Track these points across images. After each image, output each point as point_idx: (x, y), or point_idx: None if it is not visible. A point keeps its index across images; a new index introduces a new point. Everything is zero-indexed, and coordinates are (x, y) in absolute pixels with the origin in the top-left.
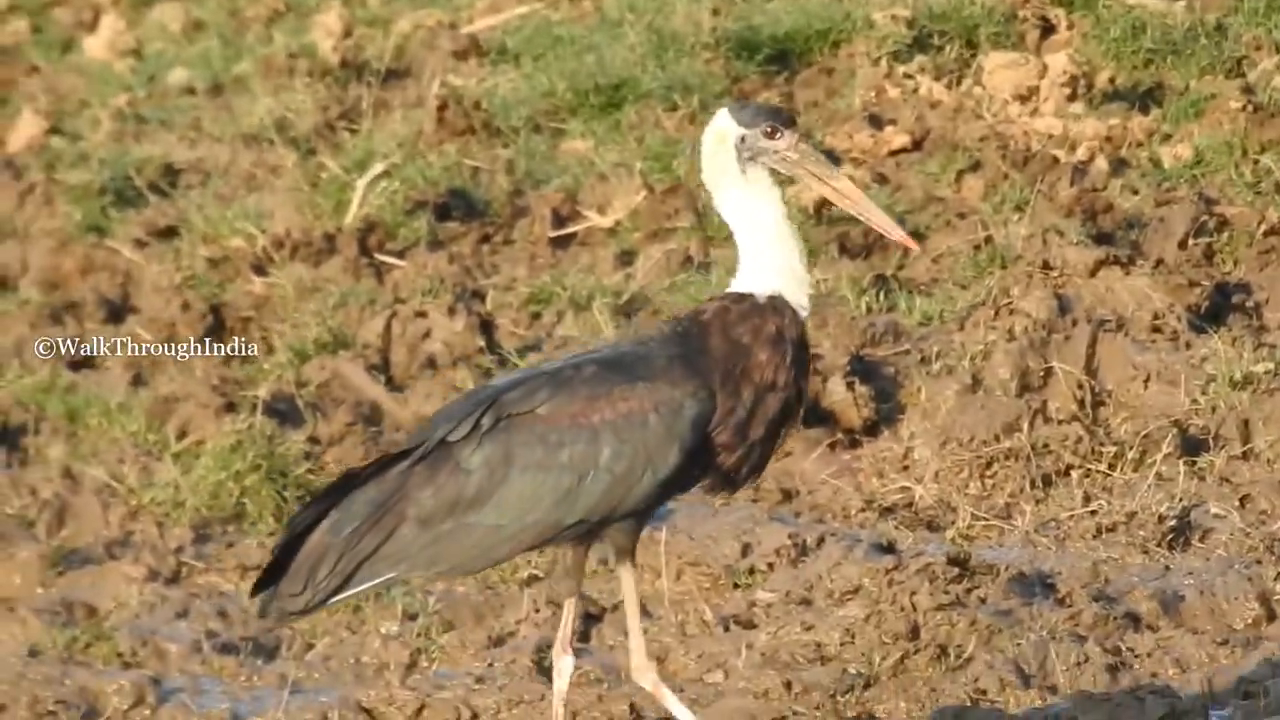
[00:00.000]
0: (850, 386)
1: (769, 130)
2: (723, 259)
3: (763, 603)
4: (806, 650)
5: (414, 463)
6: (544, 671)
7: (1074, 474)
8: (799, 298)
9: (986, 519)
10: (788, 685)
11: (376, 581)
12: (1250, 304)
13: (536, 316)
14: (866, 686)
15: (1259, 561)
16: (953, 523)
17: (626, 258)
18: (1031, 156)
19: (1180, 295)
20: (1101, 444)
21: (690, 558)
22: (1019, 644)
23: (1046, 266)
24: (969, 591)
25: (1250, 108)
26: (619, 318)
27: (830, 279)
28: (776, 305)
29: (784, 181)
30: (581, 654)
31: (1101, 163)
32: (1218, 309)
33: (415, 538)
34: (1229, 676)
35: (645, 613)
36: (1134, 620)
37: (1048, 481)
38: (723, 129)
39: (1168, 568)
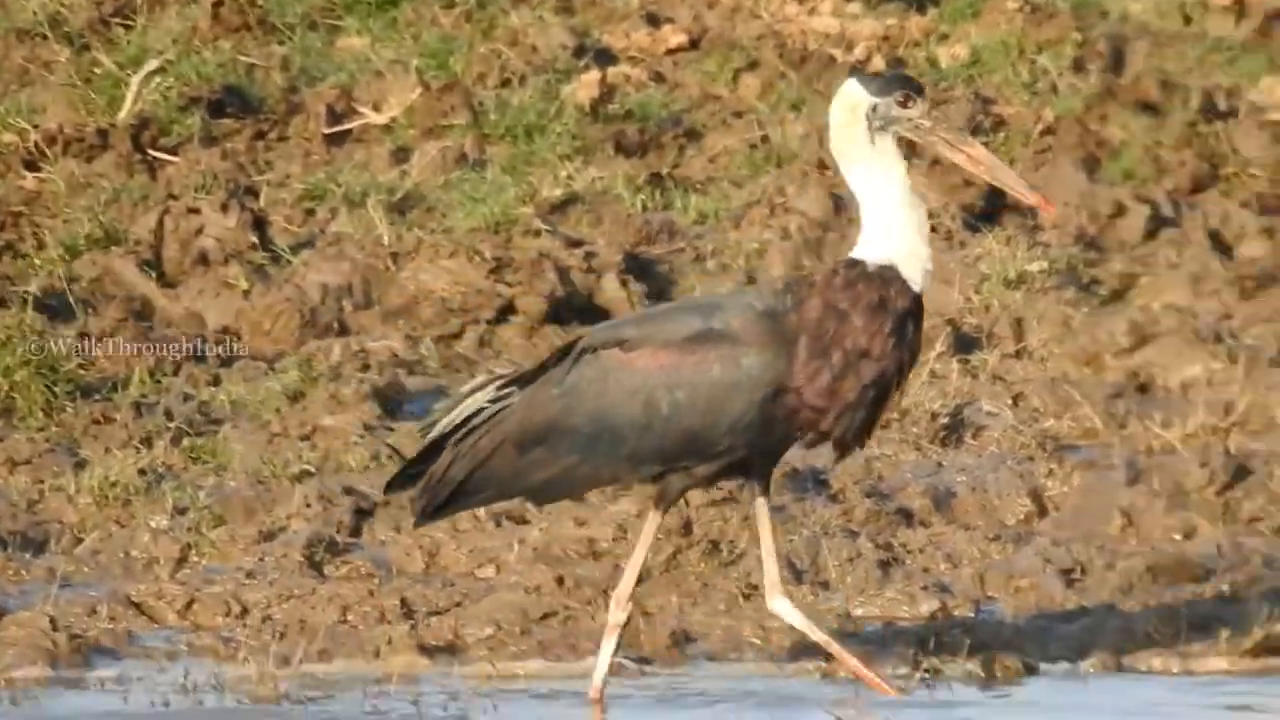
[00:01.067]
0: (625, 284)
1: (902, 99)
2: (498, 156)
3: None
4: (579, 545)
5: (528, 382)
6: (314, 566)
7: None
8: (912, 270)
9: None
10: (559, 580)
11: (479, 497)
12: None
13: (310, 213)
14: (639, 581)
15: (1030, 458)
16: None
17: (402, 155)
18: (808, 56)
19: (955, 194)
20: None
21: None
22: (792, 539)
23: (822, 165)
24: (742, 487)
25: (1027, 8)
26: (393, 215)
27: (606, 177)
28: (885, 275)
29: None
30: (352, 549)
31: (878, 62)
32: (992, 208)
33: (511, 461)
34: (1000, 572)
35: None
36: (906, 516)
37: None
38: (855, 99)
39: (940, 464)
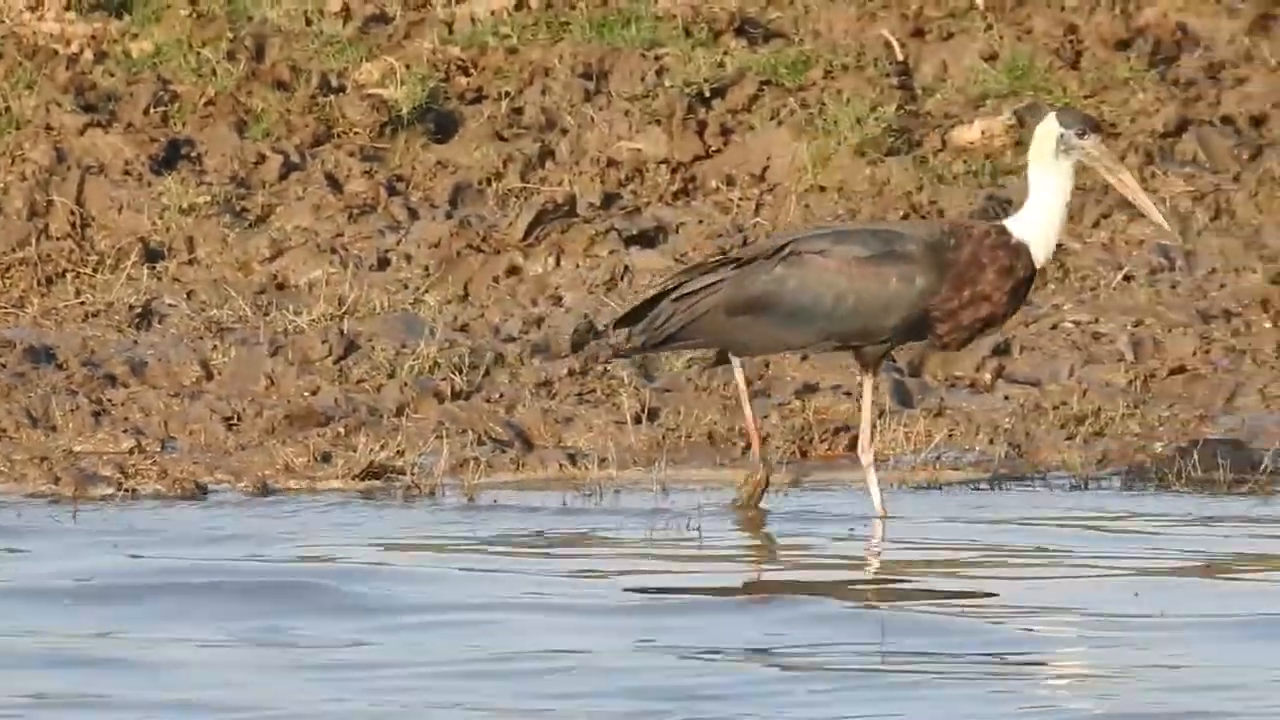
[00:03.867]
0: None
1: (1080, 132)
2: None
3: None
4: None
5: (738, 267)
6: None
7: (69, 276)
8: (1039, 252)
9: (6, 308)
10: None
11: (686, 343)
12: (194, 154)
13: None
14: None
15: (201, 338)
16: None
17: None
18: (39, 49)
19: (145, 148)
20: (89, 254)
21: None
22: (30, 396)
23: (49, 128)
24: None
25: (195, 13)
26: None
27: None
28: (1019, 249)
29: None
30: None
31: (89, 54)
32: (171, 158)
33: (722, 321)
34: (180, 419)
35: None
36: (112, 380)
37: (50, 281)
38: (1051, 127)
39: (136, 342)
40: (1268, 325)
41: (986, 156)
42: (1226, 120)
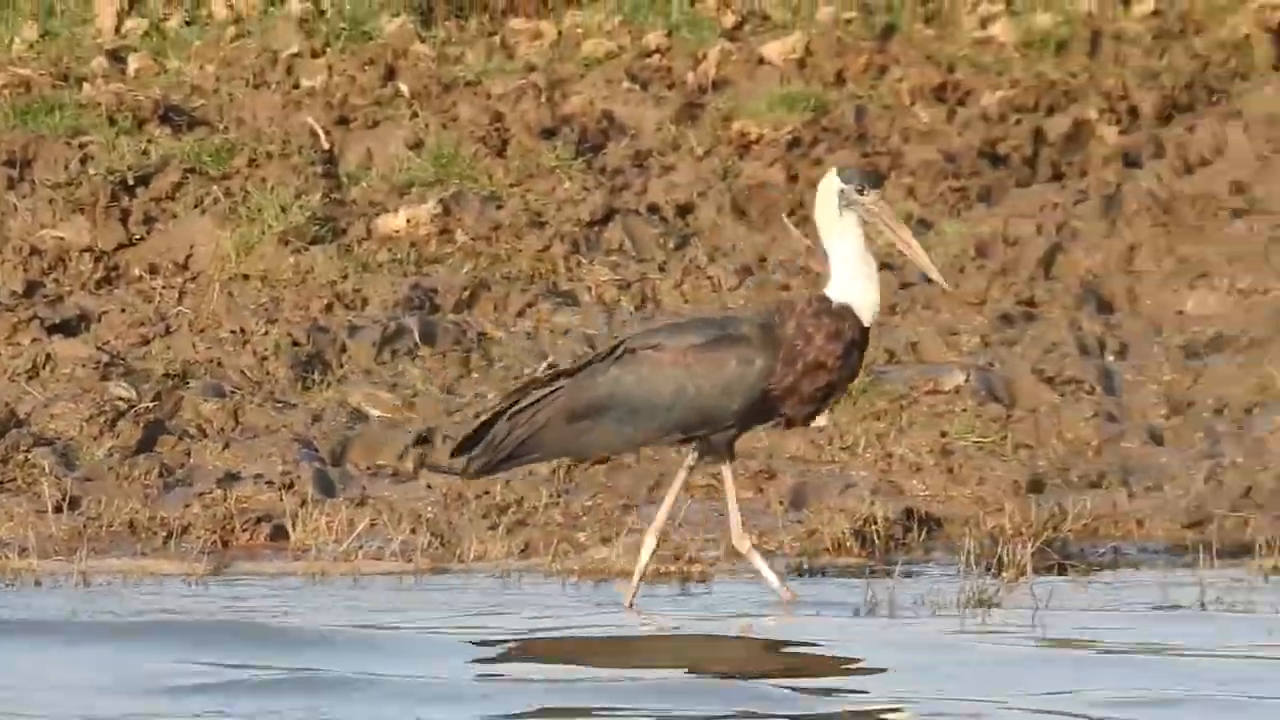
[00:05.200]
0: None
1: (859, 188)
2: None
3: None
4: None
5: (571, 376)
6: None
7: None
8: (864, 311)
9: None
10: None
11: (529, 458)
12: None
13: None
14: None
15: None
16: None
17: None
18: None
19: None
20: None
21: None
22: None
23: None
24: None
25: None
26: None
27: None
28: (843, 312)
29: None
30: None
31: None
32: None
33: (563, 429)
34: None
35: None
36: None
37: None
38: (830, 183)
39: None
40: None
41: (412, 245)
42: (653, 209)
